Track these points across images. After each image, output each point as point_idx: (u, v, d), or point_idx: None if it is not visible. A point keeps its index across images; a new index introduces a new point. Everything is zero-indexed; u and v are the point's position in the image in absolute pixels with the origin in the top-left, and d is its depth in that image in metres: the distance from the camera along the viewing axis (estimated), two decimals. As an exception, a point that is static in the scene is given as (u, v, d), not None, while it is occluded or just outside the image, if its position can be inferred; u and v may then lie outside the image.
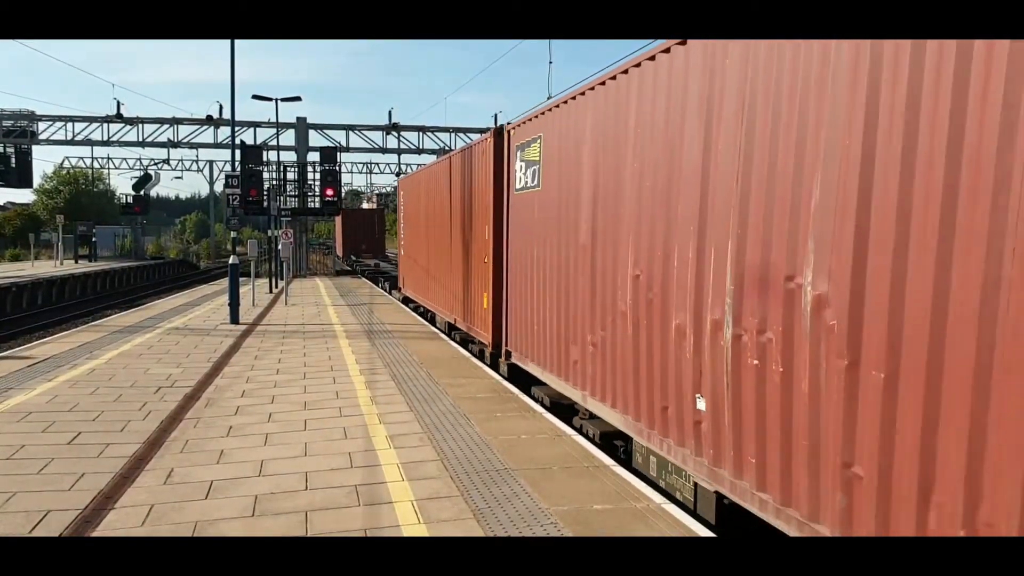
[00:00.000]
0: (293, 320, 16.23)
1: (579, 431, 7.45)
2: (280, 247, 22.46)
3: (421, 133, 40.17)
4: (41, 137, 40.07)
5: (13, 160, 42.42)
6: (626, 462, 6.48)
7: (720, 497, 5.14)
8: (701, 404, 5.29)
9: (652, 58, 6.13)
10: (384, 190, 70.26)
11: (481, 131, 34.33)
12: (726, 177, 5.07)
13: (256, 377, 9.71)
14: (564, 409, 8.22)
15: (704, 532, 4.82)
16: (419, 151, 40.55)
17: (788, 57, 4.46)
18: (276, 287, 24.18)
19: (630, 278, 6.47)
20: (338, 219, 45.82)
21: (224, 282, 22.39)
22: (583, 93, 7.60)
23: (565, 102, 8.14)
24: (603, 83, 7.12)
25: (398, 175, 42.15)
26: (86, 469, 5.88)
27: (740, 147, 4.91)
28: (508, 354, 10.46)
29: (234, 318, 15.46)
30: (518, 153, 9.89)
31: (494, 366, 10.91)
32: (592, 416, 7.45)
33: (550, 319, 8.54)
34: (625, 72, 6.64)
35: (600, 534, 4.71)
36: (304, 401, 8.33)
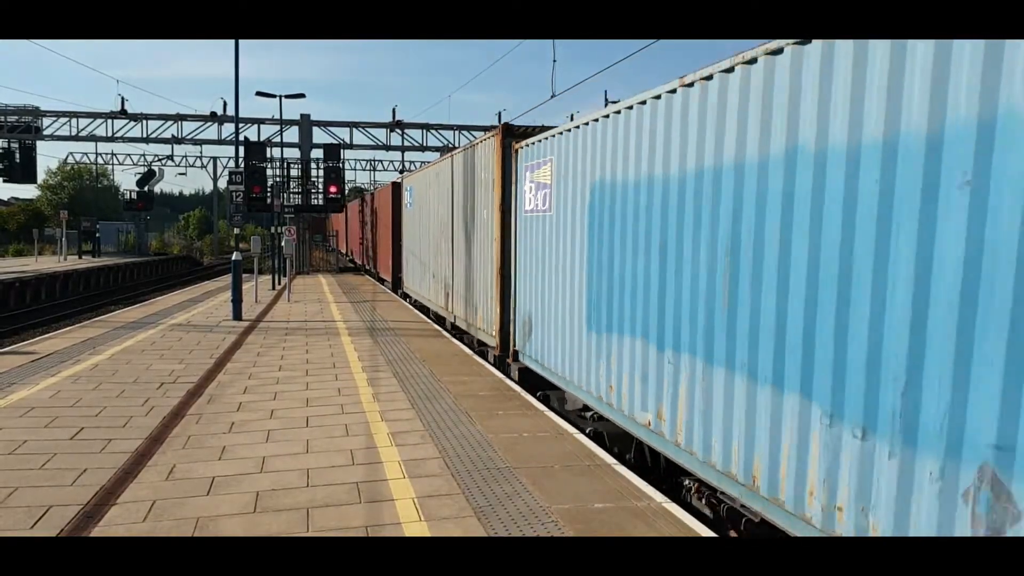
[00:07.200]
0: (296, 317, 16.26)
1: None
2: (283, 244, 22.52)
3: (425, 130, 40.15)
4: (45, 133, 40.16)
5: (17, 155, 42.58)
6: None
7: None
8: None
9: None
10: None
11: (485, 128, 34.28)
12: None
13: (258, 374, 9.74)
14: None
15: (705, 532, 4.82)
16: (423, 148, 40.51)
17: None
18: (279, 284, 24.22)
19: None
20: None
21: (227, 278, 22.43)
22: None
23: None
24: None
25: (401, 172, 42.15)
26: (88, 464, 5.91)
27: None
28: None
29: (237, 315, 15.49)
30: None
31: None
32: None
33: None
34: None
35: (601, 533, 4.71)
36: (306, 398, 8.35)
